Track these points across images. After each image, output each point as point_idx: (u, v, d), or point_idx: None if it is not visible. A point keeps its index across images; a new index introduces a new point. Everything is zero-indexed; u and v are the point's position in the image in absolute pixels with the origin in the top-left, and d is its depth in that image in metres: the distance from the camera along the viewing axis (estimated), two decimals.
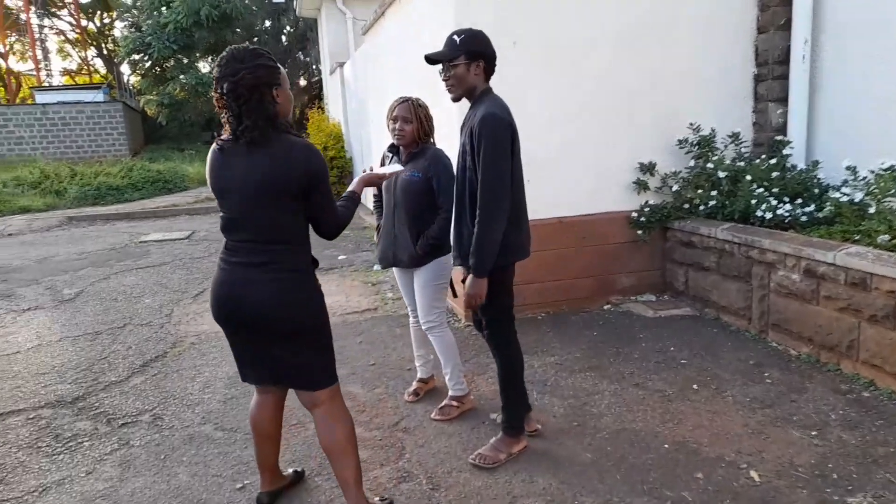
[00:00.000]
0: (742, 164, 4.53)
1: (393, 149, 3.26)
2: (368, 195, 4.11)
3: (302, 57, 27.04)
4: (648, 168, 4.76)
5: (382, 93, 7.35)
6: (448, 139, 4.55)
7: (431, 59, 2.65)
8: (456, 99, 2.69)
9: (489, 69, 2.63)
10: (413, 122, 3.08)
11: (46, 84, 28.48)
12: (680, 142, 4.75)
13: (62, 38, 33.05)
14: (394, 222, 3.20)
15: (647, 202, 4.83)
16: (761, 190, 4.26)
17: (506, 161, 2.51)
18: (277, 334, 2.16)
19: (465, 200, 2.65)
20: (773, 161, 4.49)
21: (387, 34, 6.81)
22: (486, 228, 2.50)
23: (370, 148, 8.91)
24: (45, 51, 32.05)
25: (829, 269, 3.49)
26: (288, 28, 26.65)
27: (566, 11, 4.52)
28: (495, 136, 2.47)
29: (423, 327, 3.30)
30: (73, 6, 29.30)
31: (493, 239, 2.51)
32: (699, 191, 4.55)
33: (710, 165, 4.48)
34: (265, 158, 2.05)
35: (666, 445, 2.86)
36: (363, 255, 7.35)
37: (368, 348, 4.30)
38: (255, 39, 24.71)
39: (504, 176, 2.50)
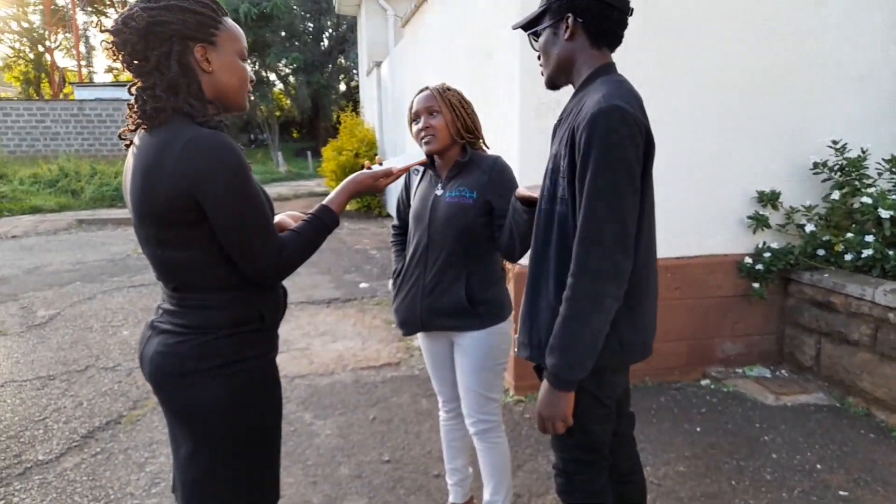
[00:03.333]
0: None
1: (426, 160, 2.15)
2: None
3: (343, 61, 26.33)
4: (770, 198, 3.53)
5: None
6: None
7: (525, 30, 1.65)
8: (549, 84, 1.61)
9: (595, 29, 1.48)
10: (443, 112, 1.99)
11: (88, 80, 28.48)
12: (816, 165, 3.51)
13: None
14: (425, 266, 2.08)
15: (764, 244, 3.60)
16: None
17: (631, 194, 1.37)
18: (167, 414, 1.47)
19: (547, 253, 1.51)
20: None
21: (429, 22, 5.73)
22: (582, 311, 1.37)
23: (406, 156, 7.84)
24: (90, 48, 32.18)
25: None
26: (329, 31, 25.98)
27: None
28: (616, 145, 1.33)
29: (469, 429, 2.17)
30: (119, 5, 29.31)
31: (591, 330, 1.38)
32: (847, 234, 3.30)
33: (865, 200, 3.23)
34: (139, 161, 1.32)
35: None
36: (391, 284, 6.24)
37: (383, 431, 3.16)
38: (296, 42, 24.10)
39: (625, 220, 1.36)
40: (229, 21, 1.41)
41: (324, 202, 1.52)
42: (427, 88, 2.05)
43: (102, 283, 6.45)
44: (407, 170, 1.68)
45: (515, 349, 1.62)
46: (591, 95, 1.41)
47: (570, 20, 1.48)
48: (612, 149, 1.33)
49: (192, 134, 1.26)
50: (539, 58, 1.61)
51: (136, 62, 1.32)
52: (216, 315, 1.38)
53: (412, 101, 2.08)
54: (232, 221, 1.30)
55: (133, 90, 1.34)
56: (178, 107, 1.30)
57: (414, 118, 2.05)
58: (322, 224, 1.48)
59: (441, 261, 2.03)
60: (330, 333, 4.72)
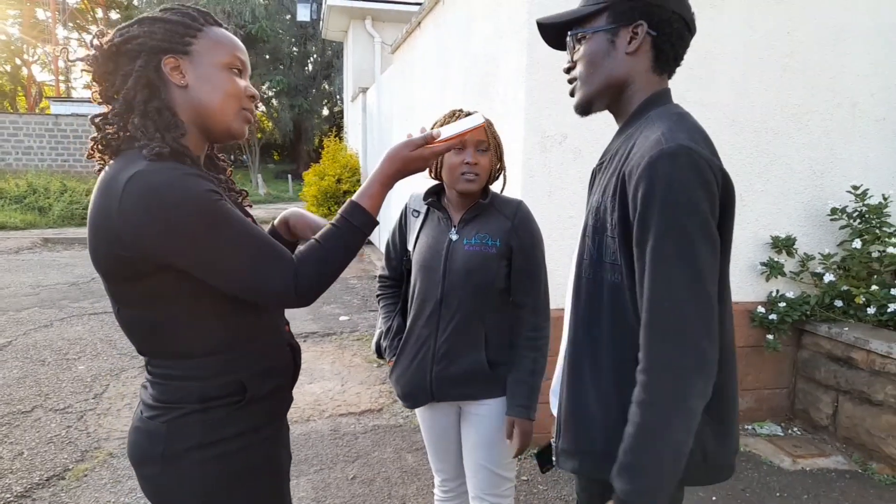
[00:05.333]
0: None
1: (431, 199, 1.85)
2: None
3: (327, 86, 26.20)
4: (785, 244, 3.31)
5: (409, 118, 6.05)
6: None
7: (547, 28, 1.26)
8: (582, 107, 1.24)
9: (668, 49, 1.16)
10: (490, 150, 1.72)
11: (66, 95, 27.91)
12: (834, 211, 3.32)
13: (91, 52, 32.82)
14: (436, 326, 1.75)
15: (778, 292, 3.38)
16: None
17: (711, 259, 1.02)
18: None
19: (594, 333, 1.15)
20: None
21: (421, 48, 5.52)
22: (662, 419, 1.00)
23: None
24: (69, 63, 31.71)
25: None
26: (315, 56, 25.88)
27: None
28: (686, 201, 1.00)
29: None
30: (102, 21, 29.02)
31: (674, 441, 1.00)
32: (873, 287, 3.09)
33: (891, 251, 3.03)
34: (92, 201, 1.09)
35: None
36: (373, 317, 5.91)
37: (364, 493, 2.82)
38: (280, 66, 23.94)
39: (709, 296, 1.01)
40: (216, 30, 1.16)
41: (353, 197, 1.17)
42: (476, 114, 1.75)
43: (62, 308, 6.02)
44: (463, 136, 1.23)
45: (555, 458, 1.27)
46: (646, 133, 1.09)
47: (641, 30, 1.14)
48: (681, 205, 0.99)
49: (135, 170, 1.01)
50: (570, 69, 1.24)
51: (104, 87, 1.15)
52: (183, 387, 1.13)
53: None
54: (216, 269, 1.05)
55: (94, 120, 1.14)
56: (131, 129, 1.09)
57: (460, 147, 1.67)
58: (349, 227, 1.13)
59: (458, 319, 1.72)
60: (306, 372, 4.37)
